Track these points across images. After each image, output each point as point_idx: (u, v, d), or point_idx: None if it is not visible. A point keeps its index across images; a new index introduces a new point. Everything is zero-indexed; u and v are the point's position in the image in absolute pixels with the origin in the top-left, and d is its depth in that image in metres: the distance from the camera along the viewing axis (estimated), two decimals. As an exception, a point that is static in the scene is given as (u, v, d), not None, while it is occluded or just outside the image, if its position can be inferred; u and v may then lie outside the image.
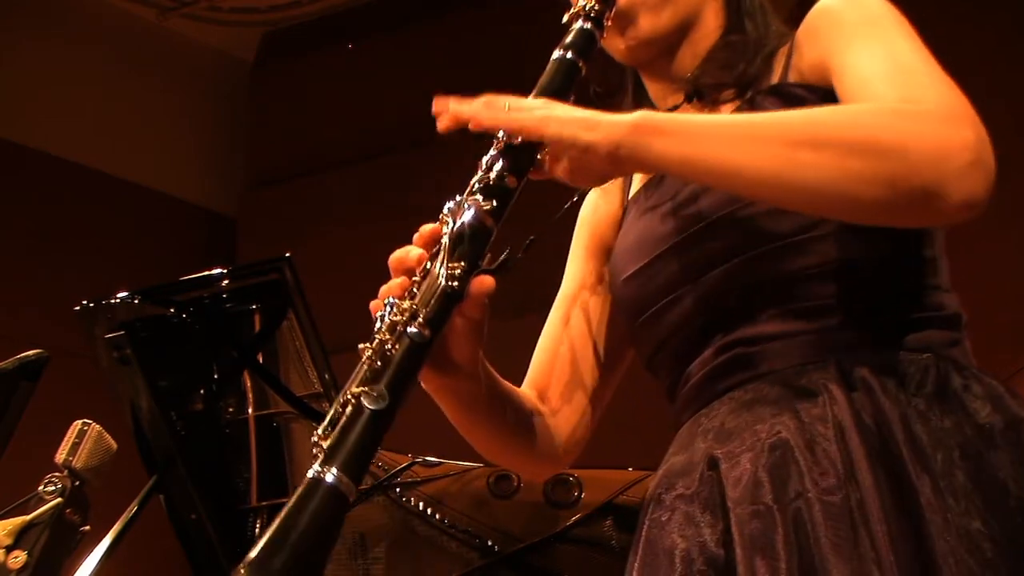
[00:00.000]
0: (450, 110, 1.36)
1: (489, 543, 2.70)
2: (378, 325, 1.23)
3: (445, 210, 1.30)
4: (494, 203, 1.28)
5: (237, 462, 2.90)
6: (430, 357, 1.25)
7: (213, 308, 2.84)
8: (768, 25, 1.52)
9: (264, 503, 2.89)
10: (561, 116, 1.28)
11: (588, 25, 1.43)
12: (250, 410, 2.92)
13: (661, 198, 1.49)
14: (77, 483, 2.37)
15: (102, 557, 2.48)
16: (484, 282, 1.26)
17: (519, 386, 1.57)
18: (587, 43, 1.43)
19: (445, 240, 1.26)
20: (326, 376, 2.86)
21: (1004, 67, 4.61)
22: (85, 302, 2.73)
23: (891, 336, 1.33)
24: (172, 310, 2.78)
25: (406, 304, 1.23)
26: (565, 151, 1.29)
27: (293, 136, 6.57)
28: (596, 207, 1.66)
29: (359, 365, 1.22)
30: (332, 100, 6.50)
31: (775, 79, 1.45)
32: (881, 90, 1.27)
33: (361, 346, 1.22)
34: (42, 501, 2.33)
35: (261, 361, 2.93)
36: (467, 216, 1.27)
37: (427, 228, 1.31)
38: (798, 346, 1.34)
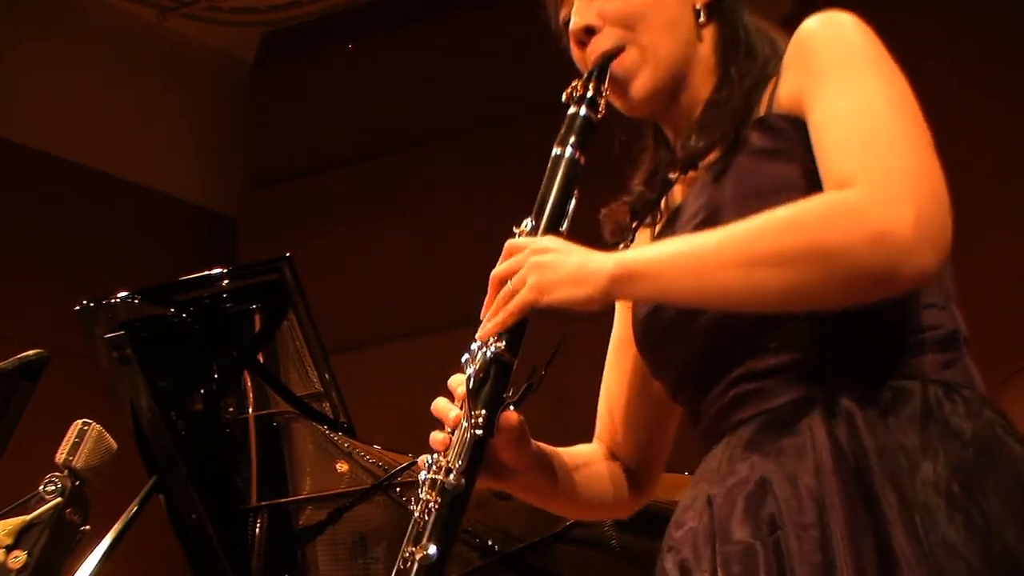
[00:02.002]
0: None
1: (489, 543, 2.70)
2: (420, 483, 1.40)
3: (463, 359, 1.43)
4: (505, 341, 1.41)
5: (237, 462, 2.90)
6: (488, 468, 1.43)
7: (213, 308, 2.84)
8: (753, 60, 1.54)
9: (264, 503, 2.89)
10: (552, 279, 1.38)
11: (583, 110, 1.52)
12: (250, 410, 2.92)
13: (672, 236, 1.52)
14: (77, 483, 2.37)
15: (102, 557, 2.48)
16: (509, 419, 1.43)
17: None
18: (583, 131, 1.51)
19: (464, 390, 1.41)
20: (326, 376, 2.87)
21: (1003, 69, 4.61)
22: (85, 302, 2.73)
23: (881, 364, 1.34)
24: (172, 310, 2.78)
25: (443, 460, 1.39)
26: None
27: (293, 136, 6.57)
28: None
29: (411, 523, 1.40)
30: (332, 100, 6.50)
31: (763, 109, 1.47)
32: (837, 154, 1.31)
33: (411, 507, 1.40)
34: (42, 501, 2.33)
35: (261, 361, 2.93)
36: (484, 361, 1.41)
37: (455, 383, 1.44)
38: (792, 381, 1.36)
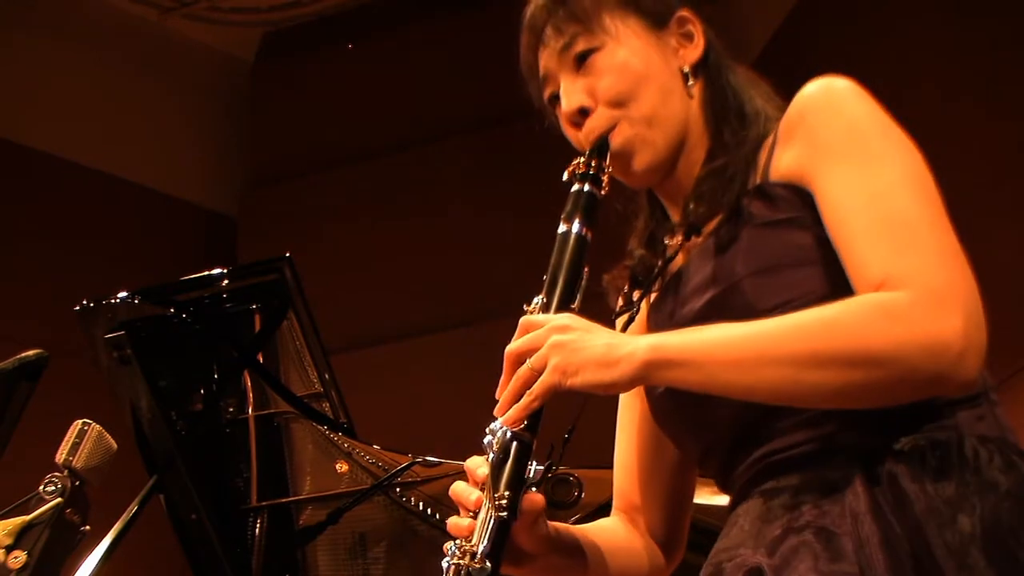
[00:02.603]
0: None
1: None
2: (445, 570, 1.36)
3: (485, 441, 1.40)
4: (525, 422, 1.38)
5: (237, 462, 2.90)
6: (505, 553, 1.38)
7: (213, 308, 2.84)
8: (746, 124, 1.53)
9: (264, 503, 2.89)
10: (577, 362, 1.34)
11: (586, 187, 1.50)
12: (250, 410, 2.92)
13: (676, 305, 1.51)
14: (77, 483, 2.37)
15: (102, 557, 2.48)
16: (533, 501, 1.39)
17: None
18: (588, 207, 1.49)
19: (487, 472, 1.37)
20: (326, 376, 2.86)
21: (1005, 68, 4.61)
22: (85, 302, 2.73)
23: (915, 424, 1.33)
24: (172, 310, 2.78)
25: (467, 545, 1.36)
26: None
27: (293, 136, 6.57)
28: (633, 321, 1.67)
29: None
30: (332, 100, 6.50)
31: (759, 176, 1.46)
32: (863, 246, 1.31)
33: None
34: (42, 501, 2.33)
35: (261, 361, 2.93)
36: (504, 442, 1.38)
37: (474, 465, 1.41)
38: (825, 446, 1.35)
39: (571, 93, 1.54)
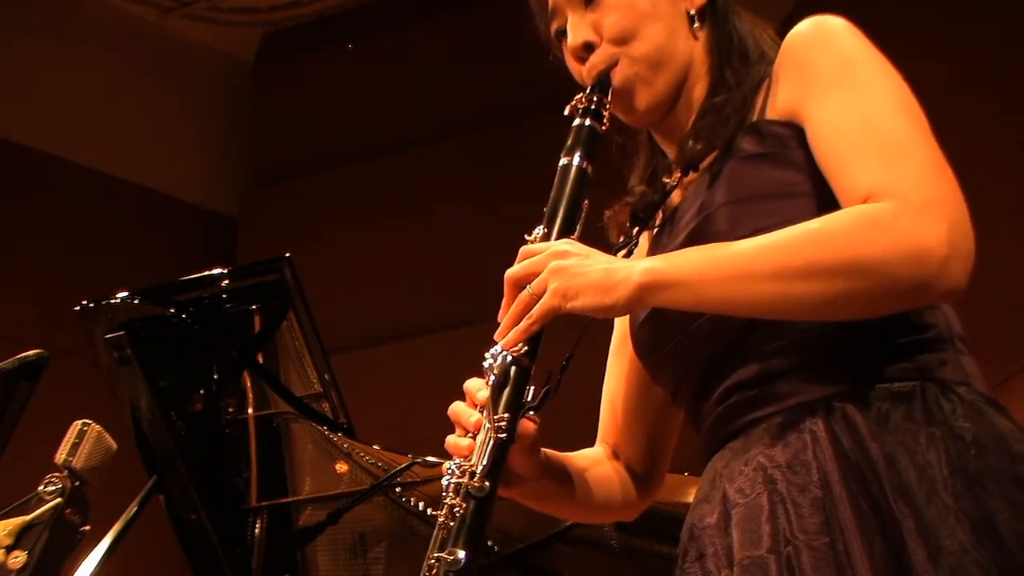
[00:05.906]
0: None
1: (489, 543, 2.70)
2: (445, 488, 1.40)
3: (485, 364, 1.43)
4: (525, 347, 1.40)
5: (237, 462, 2.90)
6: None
7: (213, 308, 2.84)
8: (748, 65, 1.55)
9: (264, 503, 2.89)
10: (576, 286, 1.37)
11: (587, 121, 1.53)
12: (250, 410, 2.92)
13: (671, 239, 1.53)
14: (77, 483, 2.37)
15: (102, 557, 2.48)
16: (527, 427, 1.43)
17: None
18: (589, 141, 1.52)
19: (487, 394, 1.40)
20: (326, 376, 2.87)
21: (1006, 69, 4.61)
22: (85, 302, 2.73)
23: (877, 367, 1.35)
24: (172, 310, 2.78)
25: (465, 465, 1.39)
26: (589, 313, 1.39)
27: (293, 136, 6.57)
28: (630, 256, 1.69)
29: (436, 529, 1.38)
30: (332, 100, 6.50)
31: (755, 114, 1.49)
32: (851, 166, 1.33)
33: (434, 512, 1.40)
34: (42, 501, 2.33)
35: (261, 361, 2.93)
36: (503, 366, 1.41)
37: (473, 387, 1.44)
38: (789, 386, 1.37)
39: (577, 28, 1.57)
